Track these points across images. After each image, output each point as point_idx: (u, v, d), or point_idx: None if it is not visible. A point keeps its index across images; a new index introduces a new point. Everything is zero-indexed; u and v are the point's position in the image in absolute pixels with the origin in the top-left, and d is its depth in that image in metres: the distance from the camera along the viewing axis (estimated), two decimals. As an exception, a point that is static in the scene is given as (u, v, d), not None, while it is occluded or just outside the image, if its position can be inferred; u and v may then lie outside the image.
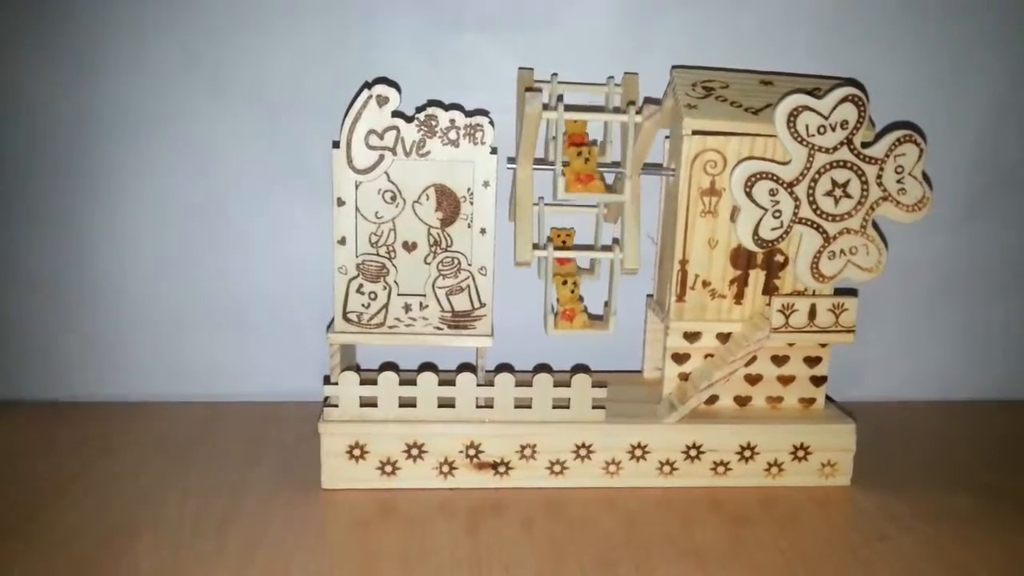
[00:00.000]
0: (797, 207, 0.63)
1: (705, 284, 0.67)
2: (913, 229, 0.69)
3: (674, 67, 0.70)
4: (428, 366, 0.73)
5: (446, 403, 0.66)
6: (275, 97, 0.75)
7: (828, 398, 0.71)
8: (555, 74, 0.72)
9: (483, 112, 0.64)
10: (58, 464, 0.69)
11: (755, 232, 0.63)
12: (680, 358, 0.69)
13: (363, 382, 0.65)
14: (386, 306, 0.66)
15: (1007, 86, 0.80)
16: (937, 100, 0.79)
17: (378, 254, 0.65)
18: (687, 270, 0.67)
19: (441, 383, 0.65)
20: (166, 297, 0.79)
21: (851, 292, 0.68)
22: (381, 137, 0.63)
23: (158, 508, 0.63)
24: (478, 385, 0.66)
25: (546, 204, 0.70)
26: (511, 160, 0.68)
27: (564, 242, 0.70)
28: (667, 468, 0.68)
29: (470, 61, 0.75)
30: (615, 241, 0.68)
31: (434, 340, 0.67)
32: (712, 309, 0.68)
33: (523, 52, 0.74)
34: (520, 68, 0.72)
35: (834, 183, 0.63)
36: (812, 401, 0.71)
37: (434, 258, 0.66)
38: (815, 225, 0.64)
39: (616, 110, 0.71)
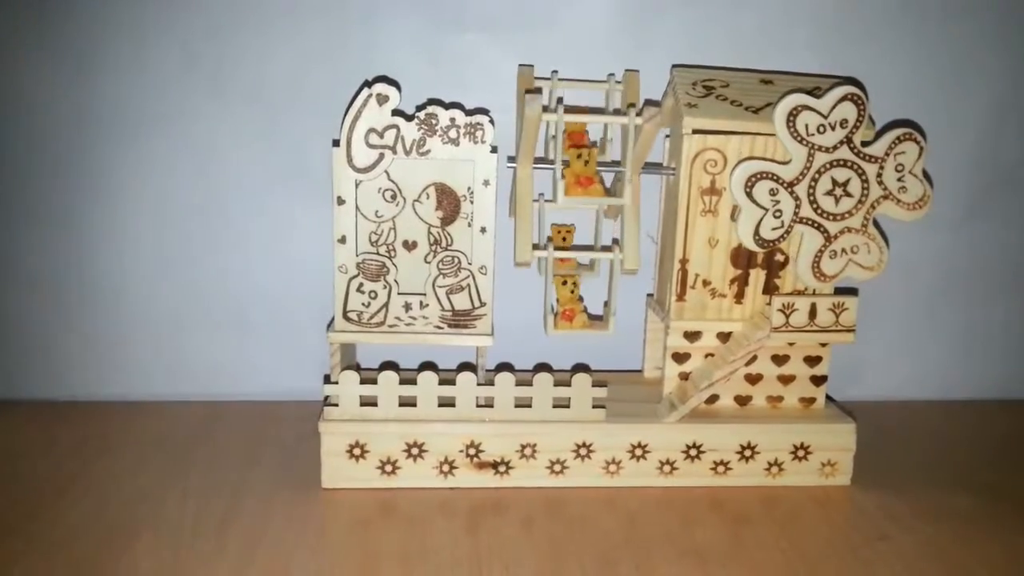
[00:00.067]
0: (798, 207, 0.63)
1: (705, 283, 0.67)
2: (913, 229, 0.69)
3: (674, 66, 0.70)
4: (428, 365, 0.73)
5: (446, 402, 0.66)
6: (275, 97, 0.75)
7: (828, 398, 0.71)
8: (555, 71, 0.72)
9: (483, 111, 0.64)
10: (58, 464, 0.69)
11: (756, 232, 0.63)
12: (680, 357, 0.69)
13: (363, 381, 0.65)
14: (386, 305, 0.66)
15: (1007, 86, 0.80)
16: (937, 100, 0.79)
17: (378, 253, 0.65)
18: (687, 269, 0.67)
19: (441, 382, 0.65)
20: (166, 297, 0.79)
21: (851, 291, 0.68)
22: (381, 136, 0.63)
23: (158, 508, 0.63)
24: (478, 384, 0.66)
25: (546, 201, 0.70)
26: (511, 159, 0.68)
27: (564, 238, 0.70)
28: (667, 468, 0.68)
29: (470, 60, 0.75)
30: (615, 241, 0.68)
31: (434, 339, 0.67)
32: (712, 308, 0.68)
33: (523, 52, 0.74)
34: (520, 65, 0.72)
35: (834, 182, 0.63)
36: (812, 401, 0.71)
37: (434, 257, 0.66)
38: (816, 224, 0.64)
39: (616, 112, 0.71)
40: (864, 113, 0.62)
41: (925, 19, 0.78)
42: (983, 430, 0.81)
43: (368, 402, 0.65)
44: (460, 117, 0.63)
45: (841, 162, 0.63)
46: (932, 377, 0.87)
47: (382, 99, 0.62)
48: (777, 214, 0.63)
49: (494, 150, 0.64)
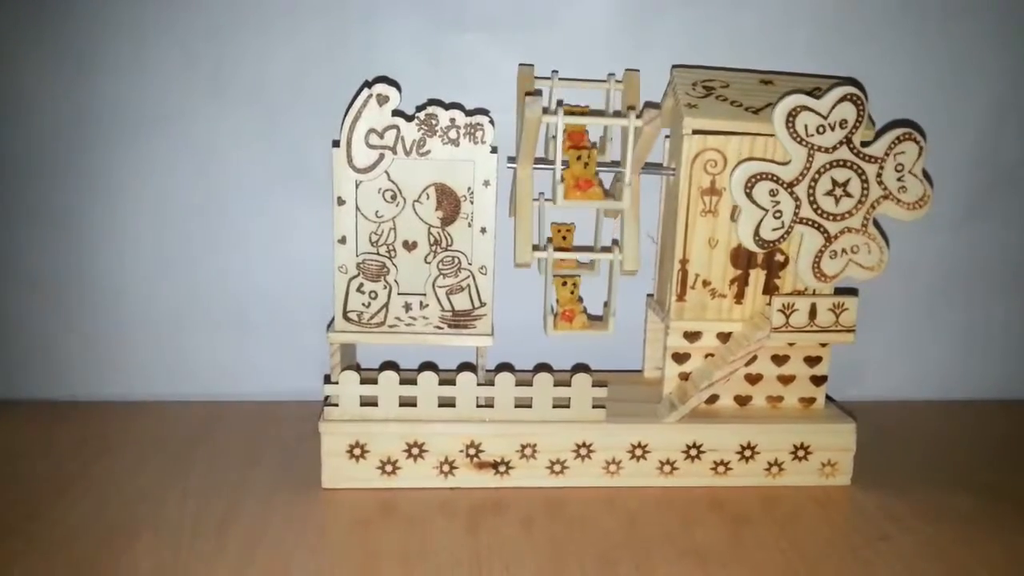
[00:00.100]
0: (798, 207, 0.63)
1: (705, 284, 0.67)
2: (913, 229, 0.69)
3: (674, 67, 0.70)
4: (428, 365, 0.73)
5: (446, 402, 0.66)
6: (275, 97, 0.75)
7: (828, 398, 0.71)
8: (555, 71, 0.71)
9: (483, 111, 0.64)
10: (58, 464, 0.69)
11: (756, 233, 0.63)
12: (680, 358, 0.69)
13: (363, 381, 0.65)
14: (386, 305, 0.66)
15: (1007, 86, 0.80)
16: (937, 100, 0.79)
17: (378, 253, 0.65)
18: (687, 269, 0.67)
19: (441, 382, 0.65)
20: (166, 297, 0.79)
21: (851, 292, 0.68)
22: (381, 136, 0.63)
23: (158, 508, 0.63)
24: (478, 384, 0.66)
25: (546, 199, 0.70)
26: (511, 159, 0.68)
27: (564, 237, 0.70)
28: (667, 468, 0.68)
29: (470, 61, 0.76)
30: (615, 242, 0.68)
31: (434, 339, 0.67)
32: (712, 309, 0.68)
33: (523, 52, 0.74)
34: (520, 65, 0.72)
35: (834, 182, 0.63)
36: (812, 401, 0.71)
37: (434, 257, 0.66)
38: (816, 225, 0.64)
39: (616, 114, 0.71)
40: (863, 113, 0.62)
41: (925, 19, 0.78)
42: (983, 430, 0.81)
43: (368, 402, 0.66)
44: (460, 117, 0.63)
45: (841, 162, 0.63)
46: (932, 377, 0.87)
47: (382, 99, 0.62)
48: (777, 215, 0.63)
49: (494, 150, 0.64)
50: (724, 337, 0.69)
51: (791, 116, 0.61)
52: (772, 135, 0.63)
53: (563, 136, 0.66)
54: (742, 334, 0.68)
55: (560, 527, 0.62)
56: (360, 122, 0.63)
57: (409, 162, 0.64)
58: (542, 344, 0.70)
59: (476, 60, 0.75)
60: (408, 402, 0.66)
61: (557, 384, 0.66)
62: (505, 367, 0.68)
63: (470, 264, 0.66)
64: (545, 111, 0.64)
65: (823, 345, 0.69)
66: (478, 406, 0.66)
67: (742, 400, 0.71)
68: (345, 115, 0.63)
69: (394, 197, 0.64)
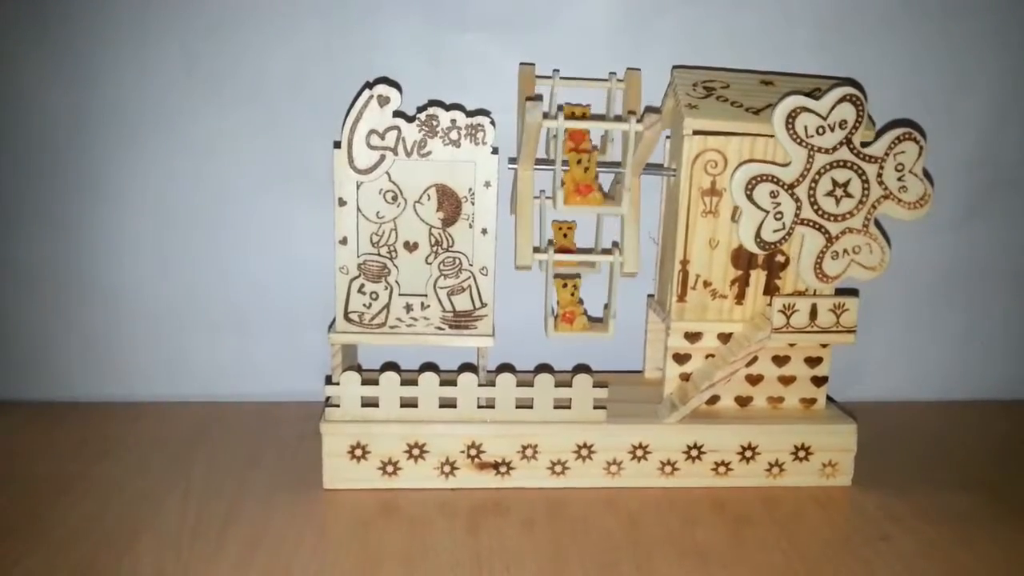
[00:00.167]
0: (798, 208, 0.63)
1: (706, 284, 0.67)
2: (913, 229, 0.69)
3: (675, 67, 0.70)
4: (429, 366, 0.73)
5: (447, 403, 0.66)
6: (275, 97, 0.75)
7: (829, 398, 0.71)
8: (557, 70, 0.71)
9: (484, 112, 0.64)
10: (58, 465, 0.69)
11: (757, 235, 0.63)
12: (681, 358, 0.69)
13: (364, 382, 0.65)
14: (387, 306, 0.66)
15: (1007, 86, 0.80)
16: (937, 100, 0.79)
17: (379, 254, 0.65)
18: (688, 270, 0.67)
19: (442, 383, 0.65)
20: (166, 297, 0.79)
21: (852, 292, 0.68)
22: (382, 137, 0.63)
23: (158, 508, 0.63)
24: (479, 385, 0.66)
25: (547, 197, 0.70)
26: (512, 160, 0.68)
27: (565, 235, 0.70)
28: (668, 468, 0.68)
29: (471, 61, 0.75)
30: (615, 244, 0.68)
31: (435, 340, 0.67)
32: (713, 309, 0.68)
33: (524, 52, 0.74)
34: (521, 64, 0.72)
35: (835, 183, 0.63)
36: (813, 401, 0.71)
37: (435, 258, 0.66)
38: (817, 226, 0.64)
39: (617, 118, 0.71)
40: (863, 114, 0.62)
41: (925, 19, 0.78)
42: (983, 430, 0.82)
43: (369, 403, 0.66)
44: (461, 118, 0.63)
45: (841, 163, 0.63)
46: (932, 377, 0.87)
47: (383, 100, 0.62)
48: (778, 216, 0.63)
49: (495, 151, 0.64)
50: (725, 338, 0.69)
51: (791, 117, 0.61)
52: (772, 136, 0.63)
53: (564, 136, 0.66)
54: (743, 335, 0.68)
55: (561, 528, 0.62)
56: (361, 123, 0.62)
57: (410, 163, 0.64)
58: (543, 345, 0.70)
59: (476, 60, 0.75)
60: (409, 403, 0.66)
61: (558, 385, 0.66)
62: (506, 368, 0.69)
63: (471, 265, 0.66)
64: (545, 116, 0.64)
65: (824, 346, 0.69)
66: (479, 407, 0.66)
67: (743, 401, 0.71)
68: (346, 116, 0.63)
69: (395, 198, 0.64)
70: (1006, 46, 0.79)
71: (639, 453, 0.67)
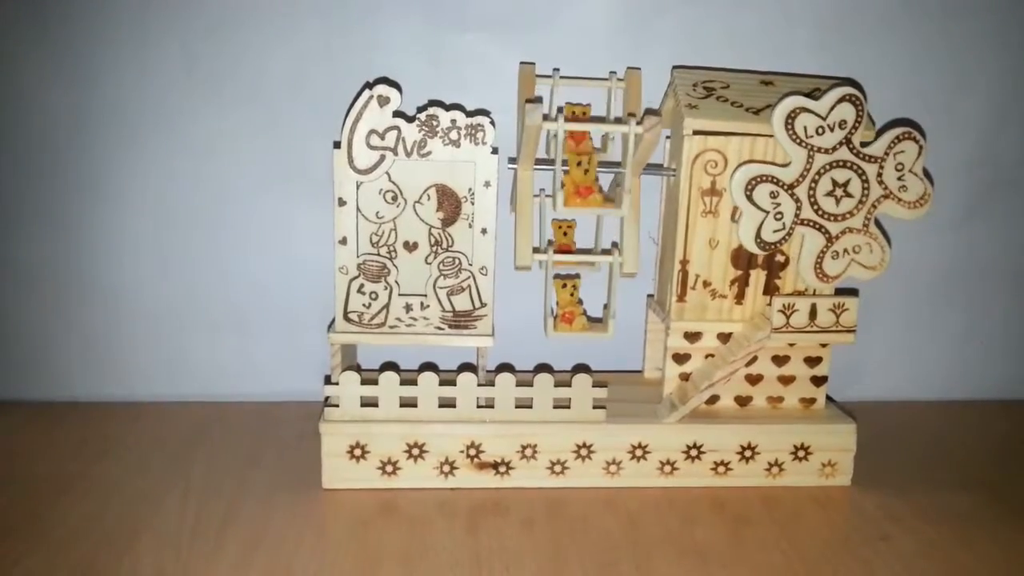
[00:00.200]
0: (798, 208, 0.63)
1: (706, 284, 0.67)
2: (913, 229, 0.69)
3: (675, 67, 0.70)
4: (429, 366, 0.73)
5: (447, 403, 0.66)
6: (275, 97, 0.75)
7: (828, 398, 0.71)
8: (557, 69, 0.71)
9: (484, 112, 0.64)
10: (58, 464, 0.69)
11: (757, 235, 0.63)
12: (681, 358, 0.69)
13: (364, 382, 0.65)
14: (387, 306, 0.66)
15: (1007, 86, 0.80)
16: (937, 100, 0.79)
17: (379, 254, 0.65)
18: (688, 270, 0.67)
19: (442, 383, 0.65)
20: (166, 297, 0.79)
21: (851, 292, 0.68)
22: (382, 137, 0.63)
23: (158, 508, 0.63)
24: (479, 385, 0.66)
25: (547, 196, 0.70)
26: (512, 160, 0.68)
27: (565, 233, 0.70)
28: (668, 468, 0.68)
29: (471, 61, 0.75)
30: (614, 244, 0.68)
31: (435, 340, 0.67)
32: (713, 309, 0.68)
33: (523, 52, 0.74)
34: (522, 63, 0.72)
35: (835, 183, 0.63)
36: (813, 401, 0.71)
37: (435, 258, 0.66)
38: (817, 226, 0.64)
39: (617, 120, 0.71)
40: (862, 114, 0.62)
41: (925, 19, 0.78)
42: (983, 430, 0.82)
43: (369, 403, 0.66)
44: (461, 118, 0.63)
45: (841, 163, 0.63)
46: (932, 377, 0.87)
47: (383, 101, 0.62)
48: (778, 216, 0.63)
49: (495, 151, 0.64)
50: (724, 338, 0.69)
51: (790, 118, 0.61)
52: (772, 136, 0.63)
53: (564, 137, 0.66)
54: (742, 334, 0.68)
55: (560, 528, 0.62)
56: (361, 123, 0.63)
57: (410, 163, 0.64)
58: (542, 344, 0.70)
59: (477, 60, 0.75)
60: (408, 403, 0.66)
61: (557, 385, 0.66)
62: (505, 367, 0.69)
63: (471, 265, 0.66)
64: (545, 118, 0.64)
65: (823, 345, 0.69)
66: (478, 407, 0.66)
67: (742, 400, 0.71)
68: (346, 116, 0.63)
69: (395, 198, 0.64)
70: (1006, 46, 0.79)
71: (638, 453, 0.67)
